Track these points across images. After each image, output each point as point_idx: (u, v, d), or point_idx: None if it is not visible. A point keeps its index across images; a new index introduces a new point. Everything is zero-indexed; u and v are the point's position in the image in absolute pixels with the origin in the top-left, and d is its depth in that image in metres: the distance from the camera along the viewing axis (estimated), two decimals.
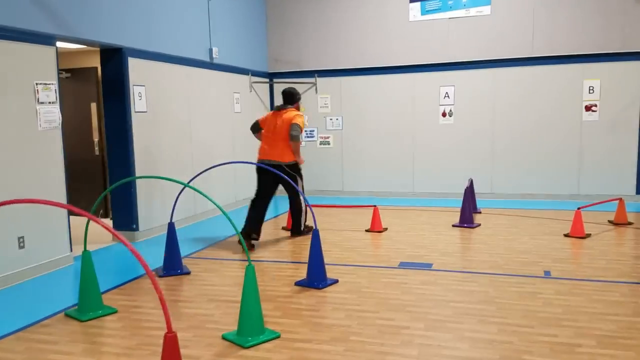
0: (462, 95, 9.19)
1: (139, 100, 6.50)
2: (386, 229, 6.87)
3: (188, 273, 5.10)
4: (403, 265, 5.24)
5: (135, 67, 6.49)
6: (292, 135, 6.08)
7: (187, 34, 7.44)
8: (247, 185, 8.71)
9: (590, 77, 8.55)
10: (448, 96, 9.30)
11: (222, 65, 8.32)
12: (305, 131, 10.04)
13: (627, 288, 4.35)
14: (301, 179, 6.46)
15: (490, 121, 9.09)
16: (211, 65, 8.04)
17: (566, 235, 6.24)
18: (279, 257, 5.68)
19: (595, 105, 8.56)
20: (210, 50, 7.93)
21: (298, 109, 6.39)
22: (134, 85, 6.45)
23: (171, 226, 5.12)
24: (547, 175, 8.87)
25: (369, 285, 4.62)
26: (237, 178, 8.79)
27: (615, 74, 8.42)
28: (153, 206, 6.76)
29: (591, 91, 8.57)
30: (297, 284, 4.67)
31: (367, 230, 6.83)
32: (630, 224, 6.78)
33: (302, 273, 4.92)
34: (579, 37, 8.49)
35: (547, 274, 4.83)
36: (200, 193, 3.78)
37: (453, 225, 6.98)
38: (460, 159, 9.27)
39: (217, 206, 3.65)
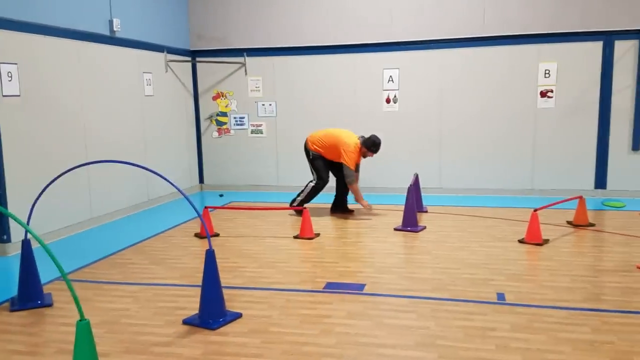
0: (407, 80, 8.26)
1: (8, 81, 5.23)
2: (318, 234, 5.89)
3: (49, 305, 3.96)
4: (330, 287, 4.26)
5: (5, 41, 5.21)
6: (347, 181, 6.55)
7: (79, 1, 6.16)
8: (164, 181, 7.56)
9: (546, 60, 7.76)
10: (392, 80, 8.35)
11: (127, 40, 7.07)
12: (235, 118, 8.91)
13: (598, 319, 3.50)
14: (317, 178, 6.83)
15: (438, 109, 8.21)
16: (112, 40, 6.78)
17: (521, 242, 5.41)
18: (182, 277, 4.60)
19: (551, 91, 7.79)
20: (111, 22, 6.67)
21: (361, 152, 6.61)
22: (1, 63, 5.17)
23: (26, 245, 3.94)
24: (499, 169, 8.08)
25: (281, 322, 3.61)
26: (149, 175, 7.60)
27: (573, 56, 7.66)
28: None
29: (547, 75, 7.79)
30: (186, 322, 3.61)
31: (295, 237, 5.83)
32: (591, 225, 6.03)
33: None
34: (534, 14, 7.66)
35: (500, 297, 3.95)
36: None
37: (395, 229, 6.06)
38: (405, 151, 8.37)
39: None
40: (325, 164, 6.85)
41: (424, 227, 6.10)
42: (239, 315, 3.67)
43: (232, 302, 3.94)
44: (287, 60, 8.58)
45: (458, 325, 3.48)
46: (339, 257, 5.09)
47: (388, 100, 8.40)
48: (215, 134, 9.02)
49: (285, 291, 4.19)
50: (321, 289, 4.21)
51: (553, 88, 7.78)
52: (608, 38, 7.48)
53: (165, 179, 3.54)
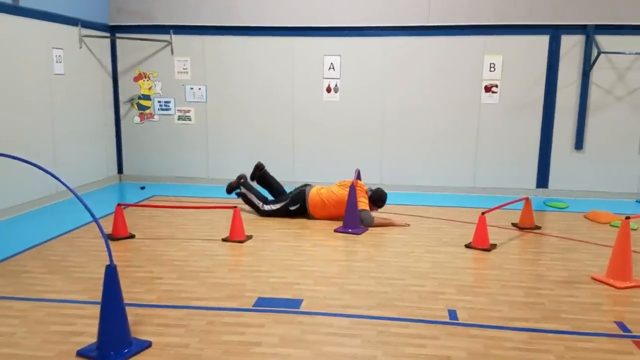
0: (349, 68, 7.75)
1: None
2: (250, 237, 5.28)
3: None
4: (262, 303, 3.68)
5: None
6: (365, 225, 5.75)
7: None
8: (76, 170, 6.69)
9: (491, 53, 7.46)
10: (333, 68, 7.81)
11: (34, 10, 6.13)
12: (159, 102, 8.09)
13: (561, 344, 3.12)
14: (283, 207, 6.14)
15: (381, 101, 7.75)
16: (16, 10, 5.83)
17: (468, 247, 5.04)
18: (84, 290, 3.87)
19: (496, 86, 7.51)
20: None
21: (370, 207, 5.99)
22: None
23: None
24: (441, 166, 7.74)
25: (200, 353, 3.00)
26: (58, 164, 6.72)
27: (518, 50, 7.39)
28: None
29: (492, 69, 7.50)
30: (81, 353, 2.92)
31: (224, 240, 5.19)
32: (537, 228, 5.76)
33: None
34: (481, 5, 7.33)
35: (452, 315, 3.51)
36: None
37: (335, 231, 5.55)
38: (346, 144, 7.88)
39: None
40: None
41: (366, 229, 5.63)
42: (147, 345, 3.02)
43: (141, 325, 3.28)
44: (219, 41, 7.84)
45: (409, 353, 3.00)
46: (273, 264, 4.51)
47: (329, 90, 7.85)
48: (137, 119, 8.16)
49: (208, 310, 3.57)
50: (251, 307, 3.62)
51: (498, 83, 7.50)
52: (555, 32, 7.26)
53: (50, 174, 2.81)
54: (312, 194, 6.04)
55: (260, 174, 6.65)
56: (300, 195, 6.10)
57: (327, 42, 7.71)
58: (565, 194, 7.42)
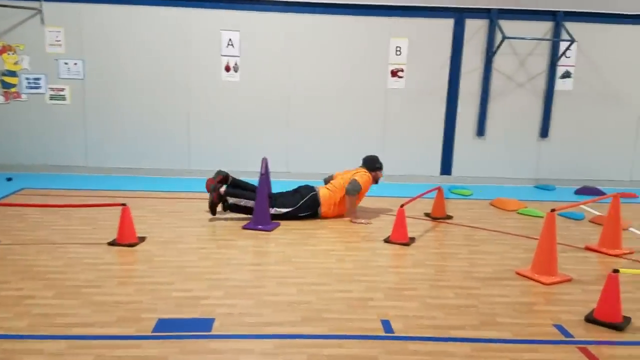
0: (249, 45, 7.12)
1: None
2: (143, 239, 4.56)
3: None
4: (163, 327, 3.05)
5: None
6: (347, 188, 5.37)
7: None
8: None
9: (397, 36, 7.21)
10: (232, 44, 7.13)
11: None
12: (27, 79, 6.93)
13: (508, 356, 2.85)
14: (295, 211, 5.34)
15: (285, 82, 7.23)
16: None
17: (387, 241, 4.73)
18: None
19: (402, 70, 7.29)
20: None
21: (375, 178, 5.66)
22: None
23: None
24: (348, 152, 7.38)
25: None
26: None
27: (424, 33, 7.21)
28: None
29: (398, 52, 7.26)
30: None
31: (111, 243, 4.43)
32: (449, 217, 5.62)
33: None
34: None
35: (386, 327, 3.14)
36: None
37: (244, 228, 4.99)
38: (249, 128, 7.29)
39: None
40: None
41: (278, 224, 5.12)
42: None
43: None
44: (98, 10, 6.85)
45: None
46: (174, 273, 3.86)
47: (228, 68, 7.17)
48: (1, 98, 6.94)
49: (95, 339, 2.89)
50: (150, 333, 2.98)
51: (404, 67, 7.28)
52: (459, 16, 7.16)
53: None
54: (325, 197, 5.42)
55: (228, 184, 5.52)
56: (315, 202, 5.40)
57: (225, 15, 7.02)
58: (468, 180, 7.43)
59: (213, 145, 7.28)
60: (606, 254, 4.56)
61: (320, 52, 7.17)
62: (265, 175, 5.17)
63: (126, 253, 4.27)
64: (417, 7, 7.12)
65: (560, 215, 5.86)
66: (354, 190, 5.35)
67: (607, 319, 3.19)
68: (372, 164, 5.70)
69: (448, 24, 7.19)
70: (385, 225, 5.22)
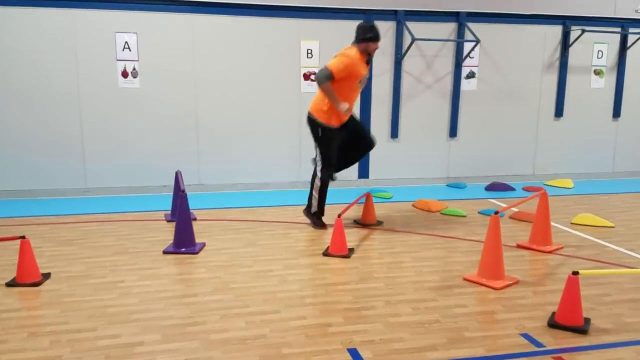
0: (149, 48, 6.50)
1: None
2: (48, 275, 3.87)
3: None
4: None
5: None
6: (315, 76, 4.80)
7: None
8: None
9: (308, 38, 6.97)
10: (129, 47, 6.47)
11: None
12: None
13: None
14: (325, 144, 4.93)
15: (192, 88, 6.70)
16: None
17: (326, 254, 4.45)
18: None
19: (314, 73, 7.03)
20: None
21: (365, 51, 4.84)
22: None
23: None
24: (265, 161, 7.04)
25: None
26: None
27: (334, 36, 7.00)
28: None
29: (310, 55, 7.02)
30: None
31: (10, 284, 3.72)
32: (380, 223, 5.47)
33: None
34: None
35: (355, 357, 2.85)
36: None
37: (165, 252, 4.45)
38: (154, 139, 6.65)
39: None
40: (339, 142, 5.01)
41: (203, 245, 4.64)
42: None
43: None
44: None
45: None
46: (95, 316, 3.27)
47: (125, 74, 6.49)
48: None
49: None
50: None
51: (316, 70, 7.03)
52: (368, 17, 7.05)
53: None
54: (314, 108, 5.00)
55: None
56: (313, 122, 5.02)
57: (120, 16, 6.35)
58: (385, 182, 7.37)
59: (110, 159, 6.56)
60: (539, 250, 4.63)
61: (228, 55, 6.73)
62: (184, 191, 4.66)
63: (30, 295, 3.59)
64: (325, 8, 6.92)
65: (480, 213, 5.96)
66: (320, 78, 4.70)
67: (570, 323, 3.15)
68: (359, 34, 4.85)
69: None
70: (317, 236, 4.95)
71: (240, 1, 6.60)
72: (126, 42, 6.44)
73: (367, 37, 4.81)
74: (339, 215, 4.49)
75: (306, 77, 7.02)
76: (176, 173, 5.33)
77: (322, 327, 3.15)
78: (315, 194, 5.17)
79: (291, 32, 6.88)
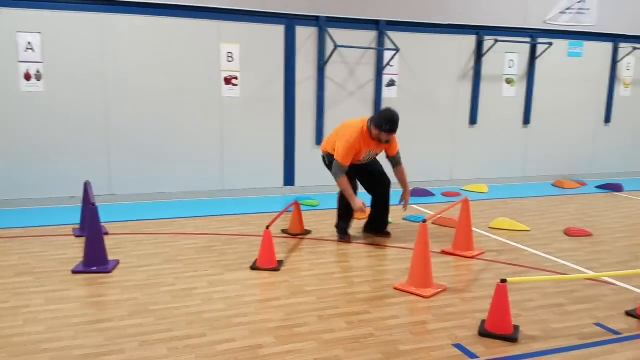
0: (55, 50, 6.02)
1: None
2: None
3: None
4: None
5: None
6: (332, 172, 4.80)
7: None
8: None
9: (228, 41, 6.75)
10: (32, 48, 5.95)
11: None
12: None
13: None
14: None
15: (103, 92, 6.28)
16: None
17: (254, 268, 4.26)
18: None
19: (236, 78, 6.84)
20: None
21: (376, 137, 4.66)
22: None
23: None
24: (182, 168, 6.73)
25: None
26: None
27: (255, 39, 6.86)
28: None
29: (230, 59, 6.80)
30: None
31: None
32: (308, 232, 5.35)
33: None
34: None
35: None
36: None
37: (74, 272, 4.07)
38: (59, 147, 6.16)
39: None
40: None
41: (117, 262, 4.30)
42: None
43: None
44: None
45: None
46: None
47: (28, 77, 5.97)
48: None
49: None
50: None
51: (237, 75, 6.84)
52: (289, 22, 6.95)
53: None
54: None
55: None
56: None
57: (22, 15, 5.83)
58: (311, 190, 7.27)
59: (12, 168, 6.00)
60: (462, 256, 4.71)
61: (142, 57, 6.37)
62: (88, 201, 4.30)
63: None
64: (246, 11, 6.74)
65: (405, 219, 6.00)
66: (337, 174, 4.73)
67: (500, 331, 3.17)
68: (379, 120, 4.59)
69: (279, 30, 6.94)
70: (245, 249, 4.74)
71: (156, 1, 6.27)
72: (29, 42, 5.93)
73: (383, 128, 4.62)
74: (268, 227, 4.32)
75: (227, 81, 6.79)
76: (85, 184, 4.93)
77: (252, 350, 2.97)
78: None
79: (211, 35, 6.64)
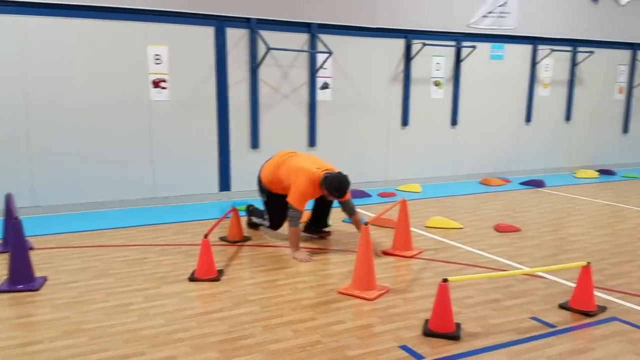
0: None
1: None
2: None
3: None
4: None
5: None
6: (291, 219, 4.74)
7: None
8: None
9: (155, 43, 6.51)
10: None
11: None
12: None
13: None
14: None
15: (21, 98, 5.88)
16: None
17: (193, 279, 4.12)
18: None
19: (165, 80, 6.62)
20: None
21: (325, 195, 4.78)
22: None
23: None
24: (110, 176, 6.42)
25: None
26: None
27: (184, 41, 6.67)
28: None
29: (158, 61, 6.56)
30: None
31: None
32: (247, 239, 5.25)
33: None
34: None
35: None
36: None
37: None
38: None
39: None
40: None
41: (45, 279, 4.02)
42: None
43: None
44: None
45: None
46: None
47: None
48: None
49: None
50: None
51: (166, 77, 6.62)
52: (219, 24, 6.80)
53: None
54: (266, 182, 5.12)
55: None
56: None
57: None
58: (248, 194, 7.14)
59: None
60: (401, 256, 4.78)
61: (64, 61, 6.02)
62: (9, 214, 4.00)
63: None
64: (174, 12, 6.53)
65: (344, 221, 6.02)
66: (294, 222, 4.70)
67: (443, 330, 3.23)
68: (331, 184, 4.67)
69: (209, 32, 6.77)
70: (181, 259, 4.58)
71: (76, 2, 5.95)
72: None
73: (333, 193, 4.72)
74: (206, 235, 4.19)
75: (155, 84, 6.55)
76: (6, 196, 4.58)
77: None
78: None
79: (136, 37, 6.37)
